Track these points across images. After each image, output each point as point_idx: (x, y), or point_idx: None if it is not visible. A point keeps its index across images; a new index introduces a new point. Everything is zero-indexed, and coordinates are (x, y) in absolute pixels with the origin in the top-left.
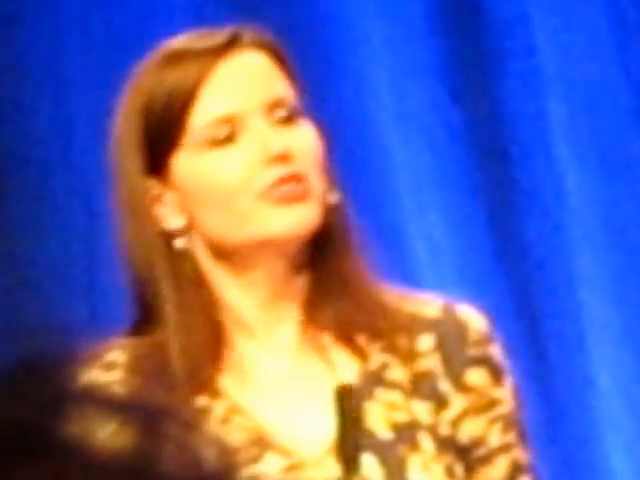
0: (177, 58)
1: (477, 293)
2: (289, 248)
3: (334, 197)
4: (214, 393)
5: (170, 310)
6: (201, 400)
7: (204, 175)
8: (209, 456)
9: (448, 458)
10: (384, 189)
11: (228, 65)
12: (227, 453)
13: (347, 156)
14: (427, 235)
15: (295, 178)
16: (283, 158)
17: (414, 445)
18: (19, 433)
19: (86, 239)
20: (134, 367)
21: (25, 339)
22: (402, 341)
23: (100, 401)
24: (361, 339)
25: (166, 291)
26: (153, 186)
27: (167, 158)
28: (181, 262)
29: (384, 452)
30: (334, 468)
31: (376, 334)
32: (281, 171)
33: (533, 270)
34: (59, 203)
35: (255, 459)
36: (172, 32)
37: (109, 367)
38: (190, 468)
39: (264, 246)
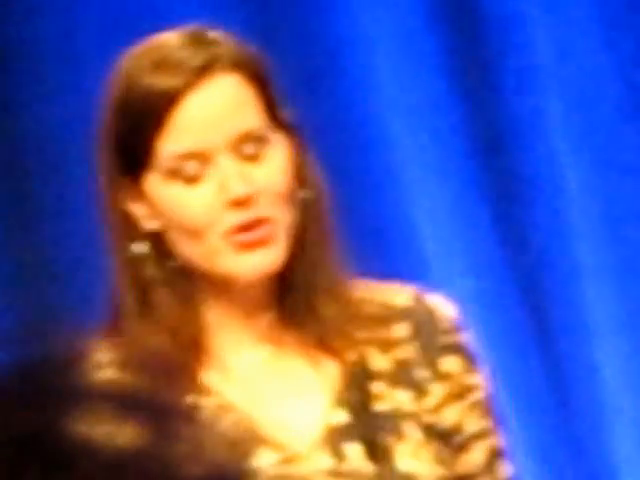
0: (155, 71)
1: (481, 282)
2: (258, 282)
3: (305, 194)
4: (201, 391)
5: (131, 315)
6: (190, 397)
7: (172, 207)
8: (222, 452)
9: (435, 444)
10: (388, 181)
11: (199, 97)
12: (237, 446)
13: (352, 150)
14: (432, 225)
15: (255, 224)
16: (242, 203)
17: (401, 433)
18: (30, 434)
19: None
20: (123, 365)
21: (34, 335)
22: (379, 331)
23: (111, 402)
24: (335, 338)
25: (129, 294)
26: (127, 184)
27: (140, 170)
28: (147, 264)
29: (371, 441)
30: (324, 460)
31: (350, 329)
32: (239, 217)
33: (536, 259)
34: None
35: (248, 454)
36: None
37: (98, 367)
38: (204, 467)
39: (232, 280)
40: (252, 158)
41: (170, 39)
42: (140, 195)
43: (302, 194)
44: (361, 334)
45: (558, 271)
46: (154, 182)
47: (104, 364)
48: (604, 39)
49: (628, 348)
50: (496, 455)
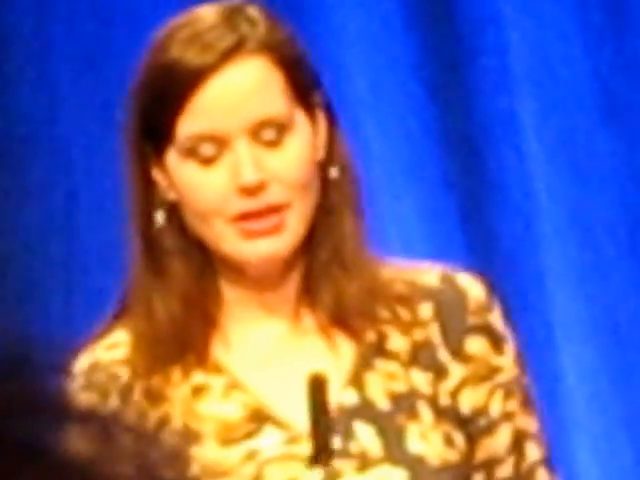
0: (186, 47)
1: None
2: (265, 268)
3: (333, 173)
4: (213, 368)
5: (141, 279)
6: (204, 377)
7: (185, 185)
8: (164, 467)
9: (447, 427)
10: None
11: (222, 79)
12: (183, 464)
13: None
14: (399, 226)
15: (264, 212)
16: (252, 190)
17: (413, 414)
18: None
19: (64, 233)
20: (138, 343)
21: None
22: (402, 311)
23: (56, 408)
24: (355, 318)
25: (140, 260)
26: (150, 151)
27: (161, 143)
28: (164, 234)
29: (382, 422)
30: (333, 441)
31: (371, 309)
32: (247, 204)
33: (502, 263)
34: (40, 183)
35: (253, 433)
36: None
37: (114, 346)
38: (145, 477)
39: (240, 265)
40: (271, 144)
41: (207, 15)
42: (163, 165)
43: (331, 172)
44: (383, 313)
45: (524, 276)
46: (173, 158)
47: (122, 343)
48: (581, 43)
49: (593, 354)
50: (523, 437)
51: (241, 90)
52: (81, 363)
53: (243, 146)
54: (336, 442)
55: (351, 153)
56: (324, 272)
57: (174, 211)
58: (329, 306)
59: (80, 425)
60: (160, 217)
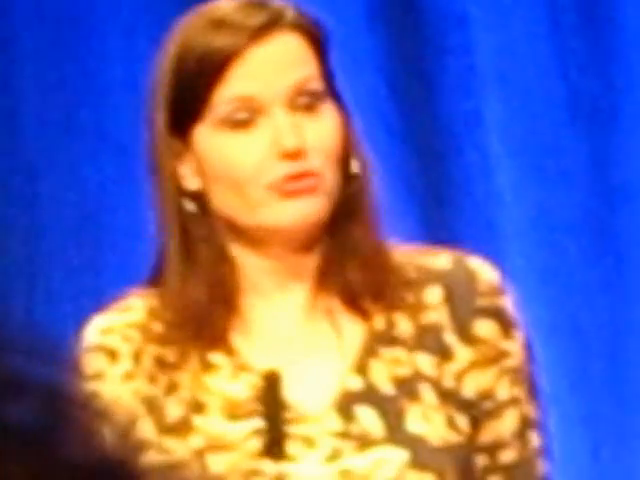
0: (215, 29)
1: None
2: (299, 235)
3: (354, 167)
4: (227, 350)
5: (174, 265)
6: (215, 356)
7: (219, 156)
8: (111, 441)
9: (450, 409)
10: None
11: (260, 50)
12: (130, 440)
13: None
14: None
15: (304, 175)
16: (294, 155)
17: (415, 396)
18: None
19: (27, 236)
20: (154, 312)
21: None
22: (409, 295)
23: (6, 379)
24: (367, 302)
25: (173, 246)
26: (175, 144)
27: (190, 124)
28: (193, 221)
29: (385, 405)
30: (334, 422)
31: (383, 294)
32: (290, 168)
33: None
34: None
35: (253, 414)
36: None
37: (127, 309)
38: (91, 452)
39: (273, 233)
40: (307, 110)
41: (227, 5)
42: (187, 153)
43: (352, 165)
44: (393, 299)
45: None
46: (204, 134)
47: (136, 308)
48: (550, 43)
49: (553, 355)
50: (527, 424)
51: (278, 59)
52: (94, 325)
53: (282, 112)
54: (337, 424)
55: (366, 148)
56: (339, 259)
57: (198, 200)
58: (343, 294)
59: (30, 397)
60: (189, 205)
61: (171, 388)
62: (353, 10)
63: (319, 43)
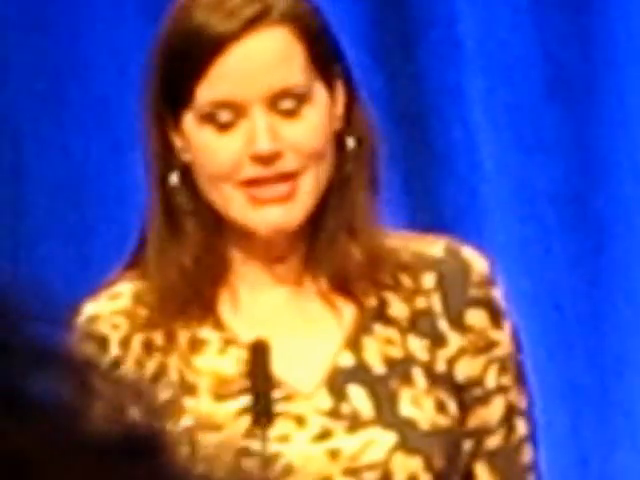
0: (204, 16)
1: None
2: (275, 237)
3: (350, 143)
4: (216, 324)
5: (157, 237)
6: (204, 331)
7: (200, 148)
8: (136, 415)
9: (440, 393)
10: None
11: (243, 48)
12: (155, 413)
13: None
14: None
15: (276, 179)
16: (265, 159)
17: (406, 379)
18: None
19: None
20: (140, 296)
21: None
22: (405, 279)
23: (32, 352)
24: (359, 284)
25: (156, 218)
26: (169, 117)
27: (180, 108)
28: (179, 194)
29: (376, 385)
30: (324, 401)
31: (376, 276)
32: (259, 171)
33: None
34: None
35: (246, 390)
36: None
37: (115, 297)
38: (117, 427)
39: (247, 231)
40: (288, 114)
41: None
42: (180, 128)
43: (348, 142)
44: (386, 280)
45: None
46: (190, 122)
47: (124, 294)
48: (531, 16)
49: (534, 326)
50: (514, 412)
51: (262, 59)
52: (84, 313)
53: (260, 114)
54: (327, 403)
55: (371, 124)
56: (330, 240)
57: (189, 173)
58: (332, 272)
59: (54, 369)
60: (174, 177)
61: (160, 371)
62: None
63: (311, 32)
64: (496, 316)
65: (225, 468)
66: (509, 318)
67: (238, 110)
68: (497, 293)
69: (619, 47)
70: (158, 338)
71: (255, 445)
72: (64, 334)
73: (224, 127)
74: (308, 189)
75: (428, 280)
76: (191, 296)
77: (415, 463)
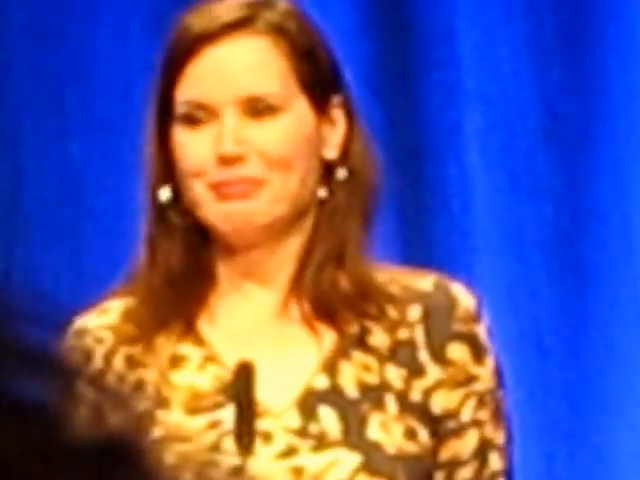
0: (187, 27)
1: None
2: (246, 236)
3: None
4: (197, 341)
5: (144, 253)
6: (184, 348)
7: (176, 148)
8: (118, 420)
9: (411, 421)
10: None
11: (218, 51)
12: (136, 420)
13: None
14: None
15: (237, 182)
16: (230, 161)
17: (378, 405)
18: None
19: None
20: (128, 313)
21: None
22: (391, 310)
23: (18, 355)
24: (343, 312)
25: (147, 233)
26: (165, 132)
27: (170, 120)
28: (169, 210)
29: (347, 408)
30: (294, 419)
31: (362, 305)
32: (223, 175)
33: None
34: None
35: (220, 405)
36: None
37: (104, 312)
38: (97, 431)
39: (219, 232)
40: (258, 120)
41: (223, 2)
42: (171, 140)
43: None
44: (371, 310)
45: None
46: (174, 131)
47: (113, 310)
48: (531, 63)
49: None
50: (489, 446)
51: (235, 63)
52: (72, 327)
53: (229, 117)
54: (296, 422)
55: (369, 158)
56: (318, 267)
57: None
58: (317, 298)
59: (39, 374)
60: (164, 193)
61: (138, 385)
62: (342, 18)
63: (298, 49)
64: (478, 352)
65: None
66: (492, 355)
67: (210, 112)
68: (482, 329)
69: (615, 98)
70: (140, 353)
71: (221, 458)
72: (53, 340)
73: (196, 127)
74: (269, 198)
75: (414, 312)
76: (175, 311)
77: None
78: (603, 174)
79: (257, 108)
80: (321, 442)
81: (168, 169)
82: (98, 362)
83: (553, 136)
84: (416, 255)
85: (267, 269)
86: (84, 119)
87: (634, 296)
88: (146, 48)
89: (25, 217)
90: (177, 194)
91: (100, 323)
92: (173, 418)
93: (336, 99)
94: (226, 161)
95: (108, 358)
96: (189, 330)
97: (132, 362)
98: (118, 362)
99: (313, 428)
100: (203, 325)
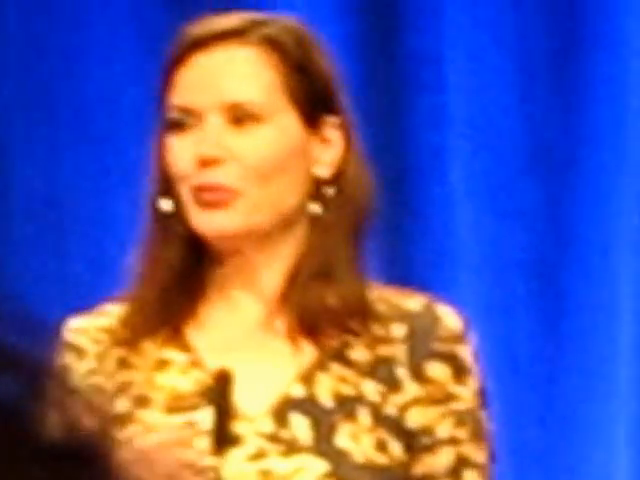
0: (183, 36)
1: None
2: (228, 243)
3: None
4: (182, 347)
5: (140, 260)
6: (170, 353)
7: (167, 156)
8: (87, 422)
9: (383, 434)
10: None
11: (206, 58)
12: (104, 422)
13: None
14: None
15: (215, 188)
16: (208, 163)
17: (351, 415)
18: None
19: None
20: (124, 317)
21: None
22: (375, 328)
23: None
24: (327, 328)
25: (145, 241)
26: (164, 138)
27: (165, 130)
28: (168, 220)
29: (320, 417)
30: (266, 425)
31: (347, 323)
32: (203, 178)
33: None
34: None
35: (196, 407)
36: None
37: (101, 315)
38: (68, 433)
39: (205, 238)
40: (240, 127)
41: (224, 14)
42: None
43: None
44: (355, 327)
45: None
46: (166, 138)
47: (110, 314)
48: (518, 90)
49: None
50: (466, 465)
51: (223, 70)
52: (69, 325)
53: (212, 120)
54: (268, 427)
55: (363, 181)
56: (306, 283)
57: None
58: (302, 314)
59: (11, 370)
60: (165, 204)
61: (124, 386)
62: (332, 39)
63: (290, 63)
64: (459, 372)
65: (162, 475)
66: (476, 376)
67: (195, 116)
68: (464, 351)
69: (600, 126)
70: (130, 356)
71: (192, 457)
72: (33, 343)
73: (182, 132)
74: (246, 209)
75: (398, 330)
76: (165, 319)
77: None
78: (586, 201)
79: (240, 116)
80: (291, 448)
81: (167, 180)
82: (91, 361)
83: (537, 161)
84: (396, 275)
85: (256, 279)
86: (74, 127)
87: (611, 322)
88: (138, 58)
89: (12, 221)
90: (176, 206)
91: (97, 325)
92: (152, 417)
93: (332, 119)
94: (205, 163)
95: (101, 358)
96: (176, 336)
97: (122, 364)
98: (110, 362)
99: (284, 434)
100: (190, 332)
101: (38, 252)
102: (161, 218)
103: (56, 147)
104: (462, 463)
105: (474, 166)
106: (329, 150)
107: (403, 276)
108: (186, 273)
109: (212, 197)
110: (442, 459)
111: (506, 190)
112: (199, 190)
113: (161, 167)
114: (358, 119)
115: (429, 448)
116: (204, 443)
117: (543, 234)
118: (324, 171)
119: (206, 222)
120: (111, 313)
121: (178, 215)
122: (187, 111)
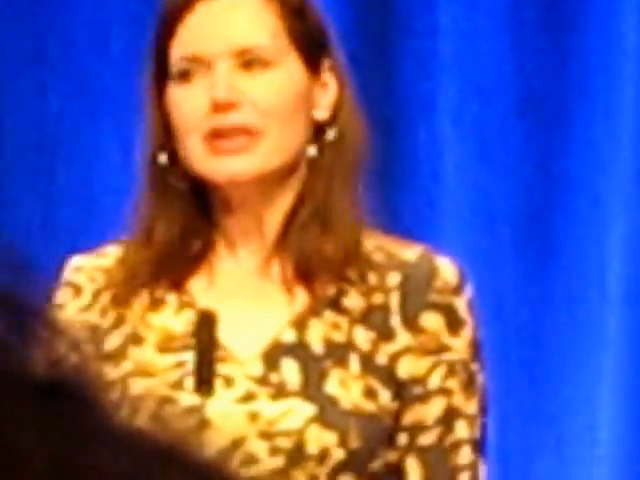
0: None
1: None
2: (241, 190)
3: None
4: (181, 291)
5: (143, 214)
6: (166, 293)
7: (172, 108)
8: (72, 359)
9: (372, 382)
10: None
11: (210, 6)
12: (88, 360)
13: None
14: None
15: (231, 132)
16: (224, 107)
17: (341, 362)
18: None
19: None
20: (123, 259)
21: None
22: (371, 277)
23: None
24: (323, 276)
25: (146, 197)
26: (162, 92)
27: (165, 77)
28: (167, 173)
29: (309, 363)
30: (256, 368)
31: (343, 271)
32: (217, 121)
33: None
34: None
35: (185, 348)
36: None
37: (101, 255)
38: (52, 369)
39: (216, 185)
40: (251, 72)
41: None
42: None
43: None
44: (351, 276)
45: None
46: (169, 89)
47: (110, 255)
48: (509, 35)
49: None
50: (456, 415)
51: (228, 16)
52: (70, 263)
53: (222, 67)
54: (259, 370)
55: (358, 122)
56: (302, 229)
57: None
58: (298, 262)
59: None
60: (164, 157)
61: (118, 322)
62: None
63: (290, 9)
64: (454, 323)
65: (148, 414)
66: (470, 328)
67: (204, 64)
68: (460, 302)
69: (592, 73)
70: (125, 295)
71: (181, 397)
72: (19, 283)
73: (190, 81)
74: (268, 149)
75: (392, 279)
76: (167, 271)
77: (329, 437)
78: (576, 150)
79: (249, 61)
80: (279, 391)
81: (165, 133)
82: (87, 298)
83: (528, 110)
84: (383, 222)
85: (258, 227)
86: (63, 70)
87: (599, 272)
88: (127, 1)
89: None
90: (174, 159)
91: (96, 264)
92: (144, 355)
93: (327, 62)
94: (220, 107)
95: (97, 295)
96: (177, 282)
97: (117, 300)
98: (104, 300)
99: (274, 378)
100: (191, 278)
101: (26, 196)
102: (161, 172)
103: (44, 89)
104: (452, 413)
105: (464, 113)
106: (327, 93)
107: (389, 223)
108: (188, 227)
109: (228, 145)
110: (433, 409)
111: (496, 138)
112: (214, 137)
113: (160, 120)
114: (347, 64)
115: (419, 398)
116: (190, 383)
117: (532, 181)
118: (323, 114)
119: (221, 169)
120: (110, 255)
121: (177, 168)
122: (195, 59)
